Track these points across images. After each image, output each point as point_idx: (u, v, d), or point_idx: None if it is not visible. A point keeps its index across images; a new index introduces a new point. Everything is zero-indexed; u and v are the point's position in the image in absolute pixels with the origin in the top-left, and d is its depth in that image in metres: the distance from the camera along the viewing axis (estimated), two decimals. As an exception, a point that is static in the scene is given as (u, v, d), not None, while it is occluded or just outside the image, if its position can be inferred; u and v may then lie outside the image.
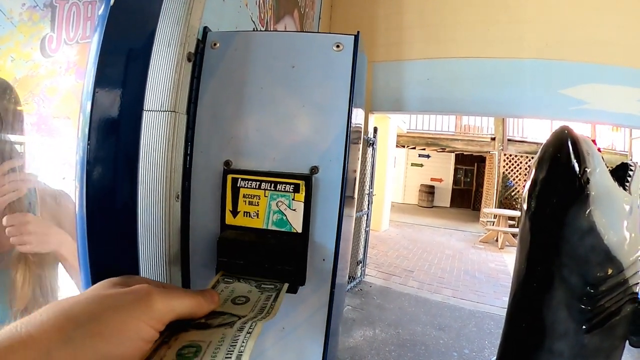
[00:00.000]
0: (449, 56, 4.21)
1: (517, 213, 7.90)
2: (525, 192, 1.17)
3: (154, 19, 0.58)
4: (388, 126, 8.34)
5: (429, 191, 15.33)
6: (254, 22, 1.22)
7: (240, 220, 0.58)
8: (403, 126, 11.02)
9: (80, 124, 0.50)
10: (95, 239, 0.49)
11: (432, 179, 15.69)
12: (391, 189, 9.78)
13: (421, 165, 15.95)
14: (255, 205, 0.58)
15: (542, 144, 1.02)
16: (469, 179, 15.49)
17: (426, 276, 6.01)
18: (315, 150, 0.61)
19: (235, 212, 0.58)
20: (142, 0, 0.57)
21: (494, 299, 4.91)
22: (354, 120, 0.62)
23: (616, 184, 1.04)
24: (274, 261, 0.55)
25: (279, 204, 0.57)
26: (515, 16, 3.80)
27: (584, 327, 1.15)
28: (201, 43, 0.66)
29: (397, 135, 10.26)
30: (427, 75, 4.31)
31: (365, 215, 5.26)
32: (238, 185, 0.57)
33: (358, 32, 0.65)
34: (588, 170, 1.58)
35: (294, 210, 0.57)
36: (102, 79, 0.49)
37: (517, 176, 9.95)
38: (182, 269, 0.64)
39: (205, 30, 0.68)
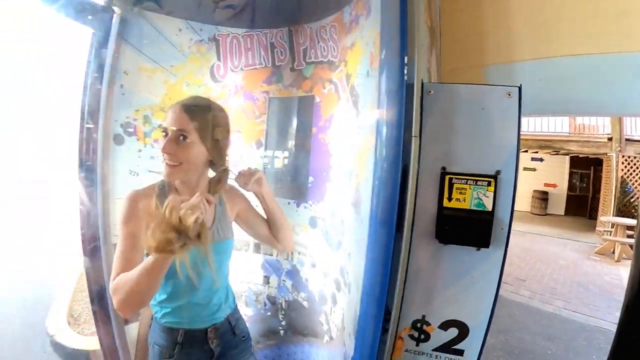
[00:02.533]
0: (558, 55, 4.41)
1: (635, 222, 7.44)
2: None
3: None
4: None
5: (542, 197, 14.73)
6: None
7: (453, 204, 1.10)
8: None
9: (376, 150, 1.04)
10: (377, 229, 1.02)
11: (545, 184, 15.04)
12: None
13: (534, 169, 15.28)
14: (463, 194, 1.07)
15: None
16: (584, 184, 14.48)
17: (538, 286, 6.06)
18: (498, 160, 1.11)
19: (449, 199, 1.08)
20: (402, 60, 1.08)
21: (607, 314, 4.84)
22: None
23: None
24: (474, 228, 1.04)
25: (478, 193, 1.06)
26: (625, 6, 3.90)
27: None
28: (420, 91, 1.17)
29: None
30: (538, 76, 4.52)
31: None
32: (452, 182, 1.08)
33: (520, 85, 1.12)
34: None
35: (487, 197, 1.06)
36: (389, 115, 1.01)
37: (636, 180, 9.21)
38: (410, 236, 1.16)
39: (422, 82, 1.18)
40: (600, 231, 9.22)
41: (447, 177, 1.11)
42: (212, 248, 1.14)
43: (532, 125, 11.85)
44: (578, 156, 13.11)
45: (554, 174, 15.00)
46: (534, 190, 14.92)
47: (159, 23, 1.89)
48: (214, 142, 1.19)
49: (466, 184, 1.10)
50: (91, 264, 1.77)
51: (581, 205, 14.26)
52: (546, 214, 14.52)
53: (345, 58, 1.66)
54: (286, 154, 1.99)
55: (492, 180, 1.10)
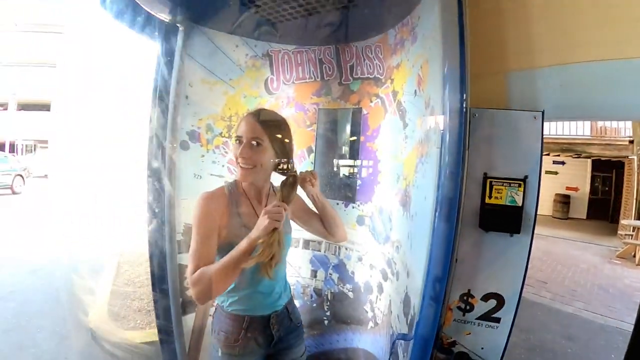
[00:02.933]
0: (579, 60, 4.52)
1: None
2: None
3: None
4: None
5: (564, 201, 14.69)
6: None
7: (492, 201, 1.36)
8: None
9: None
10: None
11: (567, 188, 14.98)
12: None
13: (556, 172, 15.15)
14: (499, 193, 1.34)
15: None
16: (607, 187, 14.41)
17: (559, 288, 6.20)
18: (526, 167, 1.43)
19: (490, 197, 1.35)
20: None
21: (626, 316, 4.88)
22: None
23: None
24: (508, 219, 1.31)
25: (511, 192, 1.32)
26: None
27: None
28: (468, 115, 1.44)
29: None
30: (559, 82, 4.66)
31: None
32: (492, 184, 1.34)
33: (543, 110, 1.38)
34: None
35: (517, 195, 1.33)
36: (452, 132, 1.27)
37: (658, 183, 9.20)
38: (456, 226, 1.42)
39: (469, 108, 1.45)
40: (621, 235, 9.21)
41: (488, 180, 1.43)
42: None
43: (554, 129, 11.92)
44: (600, 159, 13.03)
45: (575, 178, 14.96)
46: (556, 194, 14.83)
47: (218, 39, 2.12)
48: (282, 147, 1.40)
49: (502, 185, 1.43)
50: (156, 257, 1.98)
51: (603, 208, 14.19)
52: (568, 218, 14.45)
53: (391, 76, 1.91)
54: (335, 159, 2.24)
55: (521, 182, 1.45)
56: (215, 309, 1.48)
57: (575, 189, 14.83)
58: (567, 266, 7.53)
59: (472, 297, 1.50)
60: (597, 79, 4.07)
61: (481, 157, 1.47)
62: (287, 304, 1.49)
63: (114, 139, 2.33)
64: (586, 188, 14.73)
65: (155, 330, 2.22)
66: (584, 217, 14.45)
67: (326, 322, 2.24)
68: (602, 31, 4.01)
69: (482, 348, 1.53)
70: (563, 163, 14.74)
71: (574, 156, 13.39)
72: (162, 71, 1.95)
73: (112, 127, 2.38)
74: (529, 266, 1.49)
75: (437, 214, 1.34)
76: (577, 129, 11.81)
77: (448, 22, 1.40)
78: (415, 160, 1.62)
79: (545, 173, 14.83)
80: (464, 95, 1.34)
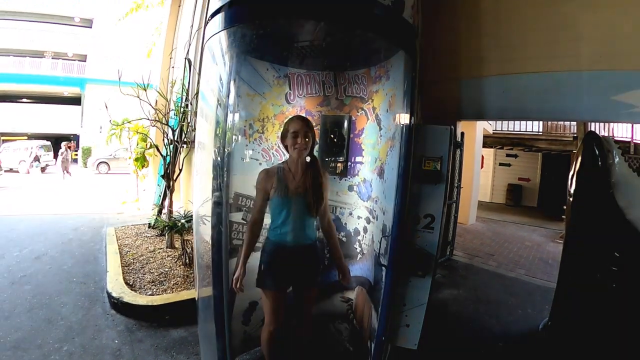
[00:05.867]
0: (519, 72, 5.12)
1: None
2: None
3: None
4: (474, 131, 9.78)
5: (516, 191, 16.10)
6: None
7: (425, 167, 2.54)
8: (491, 128, 12.06)
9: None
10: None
11: (519, 179, 16.46)
12: (478, 187, 10.93)
13: (509, 164, 16.70)
14: (429, 164, 2.51)
15: (629, 142, 2.61)
16: (555, 179, 15.71)
17: (504, 259, 7.28)
18: (441, 152, 2.59)
19: (424, 166, 2.53)
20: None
21: None
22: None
23: (635, 173, 2.70)
24: (433, 176, 2.50)
25: (435, 164, 2.49)
26: (573, 34, 4.57)
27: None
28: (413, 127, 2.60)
29: (484, 136, 11.38)
30: (502, 89, 5.36)
31: (454, 204, 6.78)
32: (425, 160, 2.52)
33: (451, 126, 2.54)
34: (608, 162, 3.41)
35: (437, 165, 2.51)
36: (405, 136, 2.44)
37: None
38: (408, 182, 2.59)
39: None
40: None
41: (423, 158, 2.50)
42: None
43: (506, 125, 13.28)
44: (550, 153, 14.59)
45: (527, 169, 16.38)
46: (509, 184, 16.32)
47: (255, 64, 2.91)
48: (313, 137, 2.43)
49: (430, 160, 2.50)
50: (215, 215, 2.44)
51: (553, 197, 15.64)
52: (520, 206, 15.84)
53: (372, 97, 2.99)
54: (333, 148, 3.22)
55: (440, 159, 2.53)
56: (266, 239, 2.50)
57: (527, 180, 16.23)
58: (513, 243, 8.66)
59: (418, 216, 2.54)
60: (532, 87, 5.08)
61: (420, 147, 2.50)
62: (313, 241, 2.55)
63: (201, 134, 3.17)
64: (537, 179, 16.07)
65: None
66: (535, 206, 15.77)
67: (326, 262, 3.02)
68: (538, 48, 5.01)
69: (426, 245, 2.56)
70: (516, 156, 16.23)
71: (525, 150, 14.74)
72: (224, 87, 2.55)
73: (199, 125, 3.15)
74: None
75: (399, 177, 2.41)
76: (528, 126, 13.15)
77: (405, 77, 2.45)
78: (387, 149, 2.69)
79: (499, 165, 16.35)
80: (412, 118, 2.36)
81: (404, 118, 2.42)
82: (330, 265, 3.05)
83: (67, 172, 18.31)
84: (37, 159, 20.65)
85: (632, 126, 9.58)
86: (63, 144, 19.31)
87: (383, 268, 2.58)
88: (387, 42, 2.53)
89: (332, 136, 3.20)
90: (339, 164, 3.23)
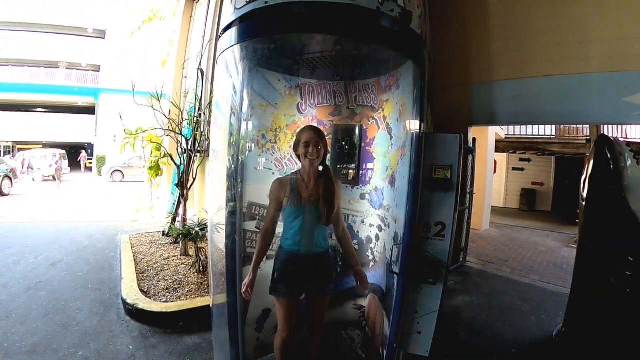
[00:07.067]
0: (529, 75, 5.22)
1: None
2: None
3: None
4: (486, 136, 9.77)
5: (530, 195, 15.93)
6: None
7: (436, 176, 2.56)
8: (503, 132, 11.97)
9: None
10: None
11: (533, 183, 16.31)
12: (491, 192, 10.86)
13: (522, 169, 16.54)
14: (439, 172, 2.54)
15: None
16: (569, 182, 15.60)
17: (518, 265, 7.20)
18: (451, 160, 2.55)
19: (434, 174, 2.56)
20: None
21: None
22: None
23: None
24: (444, 184, 2.53)
25: (445, 172, 2.52)
26: (582, 37, 4.65)
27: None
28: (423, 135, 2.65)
29: (497, 141, 11.31)
30: (512, 93, 5.44)
31: (467, 210, 6.72)
32: (435, 168, 2.55)
33: (461, 134, 2.57)
34: (621, 166, 3.40)
35: (447, 173, 2.54)
36: (415, 145, 2.49)
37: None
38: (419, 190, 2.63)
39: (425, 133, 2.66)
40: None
41: (433, 166, 2.49)
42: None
43: (518, 129, 13.20)
44: (564, 156, 14.44)
45: (541, 174, 16.20)
46: (522, 189, 16.15)
47: (267, 75, 2.96)
48: (325, 147, 2.49)
49: (441, 168, 2.48)
50: (230, 224, 2.58)
51: (567, 201, 15.49)
52: (534, 211, 15.64)
53: (382, 106, 3.04)
54: (345, 157, 3.26)
55: (450, 167, 2.49)
56: (279, 249, 2.55)
57: (541, 184, 16.05)
58: (527, 249, 8.53)
59: (429, 224, 2.52)
60: (542, 91, 5.16)
61: (430, 155, 2.49)
62: (325, 250, 2.56)
63: (215, 144, 3.27)
64: (551, 183, 15.88)
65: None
66: (549, 210, 15.59)
67: (339, 269, 3.11)
68: (548, 52, 5.09)
69: (437, 252, 2.54)
70: (529, 160, 16.04)
71: (538, 154, 14.62)
72: (238, 99, 2.66)
73: (214, 135, 3.28)
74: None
75: (410, 185, 2.45)
76: (540, 130, 13.07)
77: (414, 86, 2.47)
78: (398, 158, 2.72)
79: (512, 170, 16.20)
80: (422, 127, 2.39)
81: (414, 126, 2.46)
82: (342, 272, 3.13)
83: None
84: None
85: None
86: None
87: (395, 275, 2.61)
88: (396, 52, 2.57)
89: (343, 145, 3.25)
90: (350, 172, 3.27)
